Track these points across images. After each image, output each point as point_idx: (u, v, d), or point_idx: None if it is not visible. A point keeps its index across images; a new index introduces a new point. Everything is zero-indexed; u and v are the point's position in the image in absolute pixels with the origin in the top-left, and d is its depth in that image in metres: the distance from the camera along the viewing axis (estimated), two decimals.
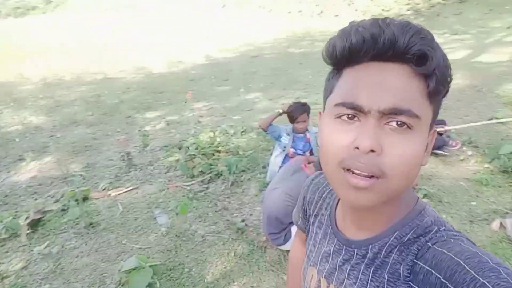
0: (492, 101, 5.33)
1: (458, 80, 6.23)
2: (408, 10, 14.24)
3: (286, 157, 3.59)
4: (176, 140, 5.18)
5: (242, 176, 3.93)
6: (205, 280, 2.65)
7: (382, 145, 0.53)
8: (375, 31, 0.53)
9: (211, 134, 4.92)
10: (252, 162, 4.13)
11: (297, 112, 3.46)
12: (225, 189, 3.77)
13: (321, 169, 0.67)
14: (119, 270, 2.69)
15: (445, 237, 0.58)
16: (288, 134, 3.63)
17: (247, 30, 15.75)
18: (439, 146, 4.09)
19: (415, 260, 0.57)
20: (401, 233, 0.62)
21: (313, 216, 0.84)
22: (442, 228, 0.60)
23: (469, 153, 4.09)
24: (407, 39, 0.52)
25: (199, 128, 5.55)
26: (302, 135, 3.65)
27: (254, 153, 4.26)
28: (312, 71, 8.72)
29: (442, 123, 4.40)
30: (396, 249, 0.61)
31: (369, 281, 0.64)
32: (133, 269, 2.38)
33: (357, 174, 0.54)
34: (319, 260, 0.77)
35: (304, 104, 3.53)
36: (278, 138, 3.64)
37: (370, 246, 0.65)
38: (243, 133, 5.12)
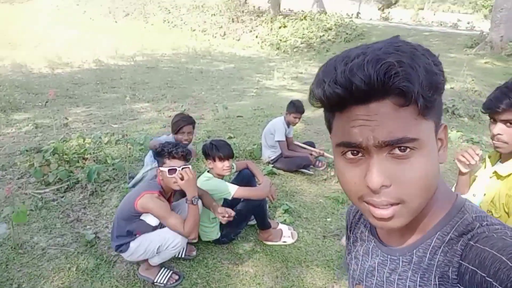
0: None
1: None
2: (302, 43, 15.31)
3: None
4: (41, 145, 4.66)
5: (105, 186, 3.65)
6: None
7: (392, 175, 0.56)
8: (346, 84, 0.53)
9: (81, 140, 4.54)
10: (119, 172, 3.88)
11: (182, 123, 3.32)
12: (83, 199, 3.45)
13: None
14: None
15: (487, 233, 0.57)
16: None
17: (147, 41, 15.34)
18: (305, 165, 4.33)
19: (460, 261, 0.57)
20: (442, 232, 0.62)
21: (353, 236, 0.85)
22: (484, 223, 0.59)
23: (332, 173, 4.39)
24: (381, 81, 0.51)
25: (71, 133, 5.09)
26: None
27: (121, 162, 4.01)
28: (206, 87, 8.75)
29: (311, 144, 4.69)
30: (440, 250, 0.61)
31: (418, 286, 0.62)
32: None
33: (378, 207, 0.58)
34: (364, 276, 0.76)
35: (190, 117, 3.41)
36: None
37: (415, 251, 0.64)
38: (118, 142, 4.82)
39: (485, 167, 1.60)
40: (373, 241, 0.76)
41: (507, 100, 1.35)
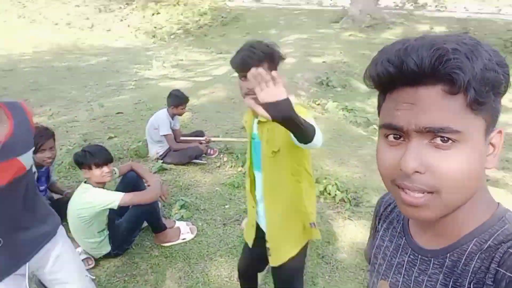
0: (244, 110, 5.93)
1: (218, 93, 6.72)
2: (179, 29, 14.86)
3: None
4: None
5: None
6: None
7: (428, 163, 0.55)
8: (398, 63, 0.54)
9: None
10: None
11: (40, 140, 2.74)
12: None
13: None
14: None
15: None
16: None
17: (1, 41, 13.32)
18: (196, 155, 4.19)
19: (497, 268, 0.56)
20: (480, 239, 0.60)
21: (382, 230, 0.82)
22: None
23: (225, 159, 4.34)
24: (431, 65, 0.52)
25: None
26: (44, 168, 3.02)
27: None
28: (77, 86, 7.92)
29: (201, 133, 4.56)
30: (477, 257, 0.59)
31: None
32: None
33: (409, 193, 0.57)
34: (391, 273, 0.74)
35: (46, 128, 2.90)
36: None
37: (448, 255, 0.63)
38: None
39: (250, 133, 1.79)
40: (404, 238, 0.75)
41: (253, 59, 1.53)
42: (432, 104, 0.54)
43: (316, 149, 1.70)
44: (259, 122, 1.71)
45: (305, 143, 1.43)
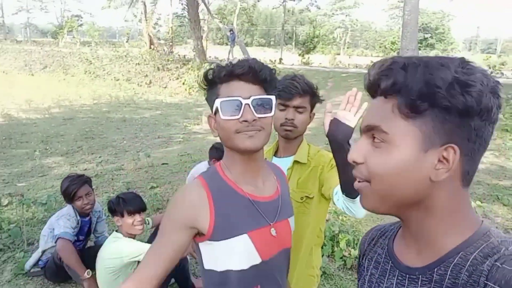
0: None
1: None
2: None
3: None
4: None
5: None
6: None
7: (365, 156, 0.64)
8: (366, 76, 0.67)
9: None
10: (16, 239, 3.30)
11: (75, 187, 2.80)
12: None
13: None
14: None
15: None
16: (71, 222, 2.82)
17: (65, 93, 14.53)
18: None
19: (486, 282, 0.56)
20: (465, 252, 0.61)
21: (366, 261, 0.82)
22: (510, 247, 0.58)
23: None
24: (373, 76, 0.64)
25: None
26: (88, 217, 3.04)
27: (17, 227, 3.43)
28: (129, 136, 8.27)
29: None
30: (464, 269, 0.60)
31: None
32: None
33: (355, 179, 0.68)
34: None
35: (80, 176, 2.95)
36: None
37: (436, 269, 0.63)
38: (20, 203, 4.20)
39: None
40: (390, 262, 0.74)
41: (298, 88, 1.52)
42: (375, 107, 0.64)
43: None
44: (295, 161, 1.58)
45: (351, 195, 1.25)
